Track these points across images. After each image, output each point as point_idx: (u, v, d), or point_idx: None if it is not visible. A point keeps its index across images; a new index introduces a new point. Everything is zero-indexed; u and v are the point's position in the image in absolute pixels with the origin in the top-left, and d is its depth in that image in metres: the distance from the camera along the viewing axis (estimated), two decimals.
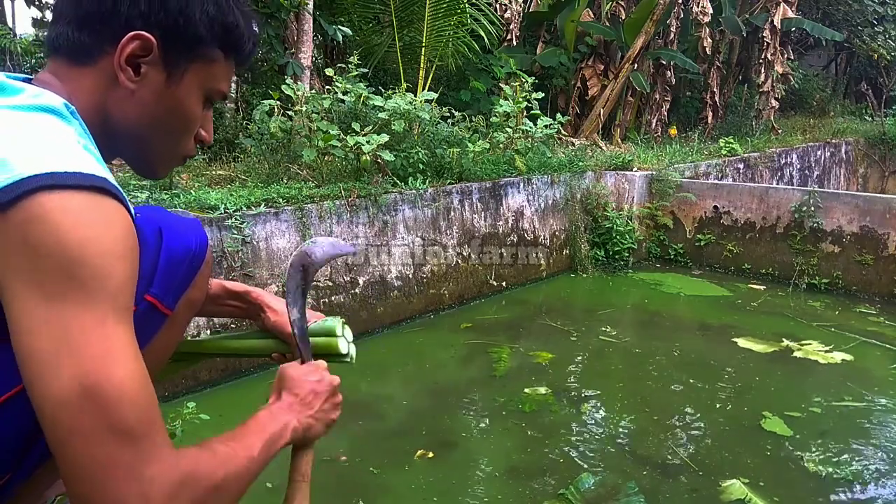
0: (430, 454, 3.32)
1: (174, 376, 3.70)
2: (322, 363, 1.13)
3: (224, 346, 1.35)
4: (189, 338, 1.31)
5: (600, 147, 8.68)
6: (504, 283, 6.07)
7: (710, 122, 10.78)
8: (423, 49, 7.27)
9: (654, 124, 10.34)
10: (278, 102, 5.22)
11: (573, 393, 4.09)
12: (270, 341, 1.29)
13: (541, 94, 6.87)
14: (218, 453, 0.80)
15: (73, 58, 0.85)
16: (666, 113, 10.54)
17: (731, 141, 9.07)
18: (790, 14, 10.32)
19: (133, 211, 0.81)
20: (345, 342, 1.25)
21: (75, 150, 0.75)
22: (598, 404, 4.00)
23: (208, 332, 3.81)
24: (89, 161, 0.75)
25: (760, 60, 10.64)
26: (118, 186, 0.76)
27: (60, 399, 0.67)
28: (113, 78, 0.85)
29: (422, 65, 7.38)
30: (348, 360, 1.25)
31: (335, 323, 1.24)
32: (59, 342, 0.67)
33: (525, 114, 6.66)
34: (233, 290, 1.28)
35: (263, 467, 0.88)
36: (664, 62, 10.15)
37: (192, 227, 1.03)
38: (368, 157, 4.92)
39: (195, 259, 1.02)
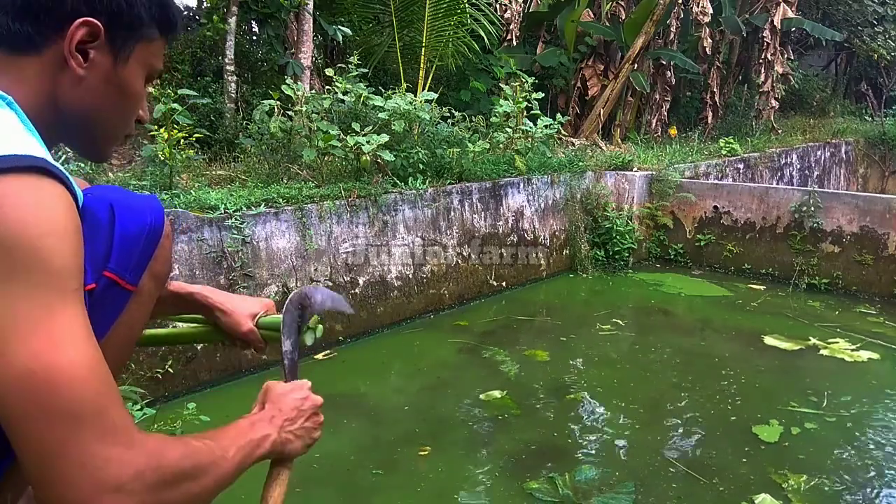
0: (427, 450, 3.32)
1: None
2: (307, 382, 1.14)
3: (172, 336, 1.38)
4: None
5: (600, 147, 8.68)
6: (504, 284, 6.07)
7: (710, 122, 10.78)
8: (423, 49, 7.27)
9: (654, 124, 10.33)
10: (278, 102, 5.22)
11: (573, 392, 4.09)
12: (220, 334, 1.31)
13: (541, 94, 6.87)
14: (189, 445, 0.80)
15: (13, 48, 0.84)
16: (666, 113, 10.53)
17: (731, 141, 9.07)
18: (790, 14, 10.32)
19: (78, 191, 0.82)
20: (311, 335, 1.27)
21: (13, 133, 0.75)
22: (599, 404, 4.00)
23: None
24: (29, 143, 0.75)
25: (760, 60, 10.63)
26: (59, 167, 0.76)
27: (9, 383, 0.67)
28: (59, 65, 0.86)
29: (422, 65, 7.37)
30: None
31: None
32: (5, 326, 0.67)
33: (525, 114, 6.66)
34: (176, 293, 1.27)
35: (238, 472, 0.87)
36: (664, 62, 10.15)
37: (146, 202, 1.03)
38: (368, 157, 4.92)
39: (152, 232, 1.01)
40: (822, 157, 11.15)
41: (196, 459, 0.79)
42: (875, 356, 4.68)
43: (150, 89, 4.26)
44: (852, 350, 4.77)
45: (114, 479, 0.69)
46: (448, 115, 6.20)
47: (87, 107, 0.90)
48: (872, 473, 3.22)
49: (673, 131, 10.09)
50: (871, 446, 3.47)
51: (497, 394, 4.00)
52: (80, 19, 0.84)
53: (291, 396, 1.07)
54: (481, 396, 3.99)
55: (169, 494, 0.74)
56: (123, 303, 1.00)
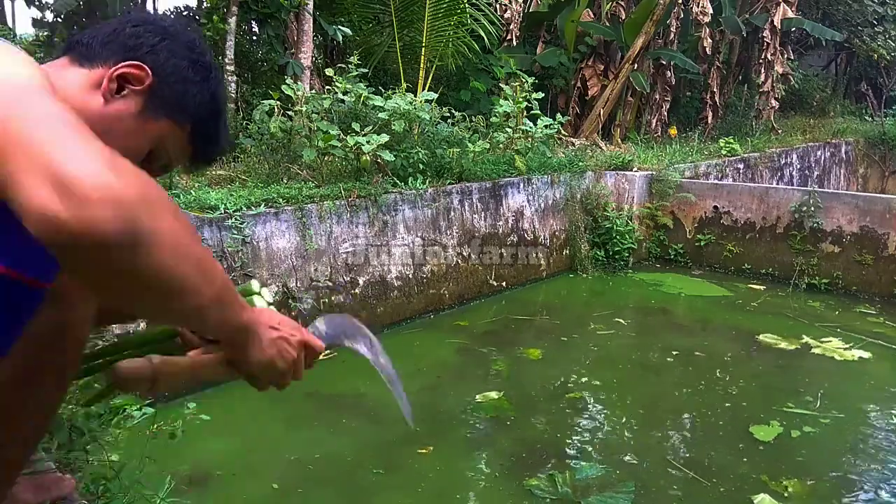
0: (427, 450, 3.32)
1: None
2: (302, 330, 1.09)
3: (126, 346, 1.32)
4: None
5: (600, 147, 8.68)
6: (504, 284, 6.07)
7: (710, 122, 10.78)
8: (423, 49, 7.27)
9: (654, 124, 10.34)
10: (278, 102, 5.22)
11: (573, 392, 4.09)
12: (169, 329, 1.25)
13: (541, 94, 6.87)
14: (179, 214, 0.73)
15: (75, 57, 0.95)
16: (666, 113, 10.53)
17: (731, 141, 9.07)
18: (790, 14, 10.32)
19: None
20: (261, 300, 1.20)
21: None
22: (599, 403, 4.00)
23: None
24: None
25: (760, 60, 10.64)
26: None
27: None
28: (95, 85, 0.92)
29: (422, 65, 7.37)
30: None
31: (254, 285, 1.21)
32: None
33: (525, 114, 6.66)
34: None
35: (209, 306, 0.77)
36: (664, 62, 10.15)
37: None
38: (368, 157, 4.92)
39: None
40: (822, 157, 11.15)
41: (182, 225, 0.71)
42: (874, 356, 4.68)
43: None
44: (852, 350, 4.77)
45: (118, 173, 0.66)
46: (448, 115, 6.21)
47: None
48: (871, 473, 3.22)
49: (673, 131, 10.09)
50: (870, 446, 3.47)
51: (497, 394, 4.00)
52: (138, 62, 0.93)
53: (288, 324, 1.04)
54: (479, 397, 3.99)
55: (153, 225, 0.66)
56: (35, 302, 0.91)
